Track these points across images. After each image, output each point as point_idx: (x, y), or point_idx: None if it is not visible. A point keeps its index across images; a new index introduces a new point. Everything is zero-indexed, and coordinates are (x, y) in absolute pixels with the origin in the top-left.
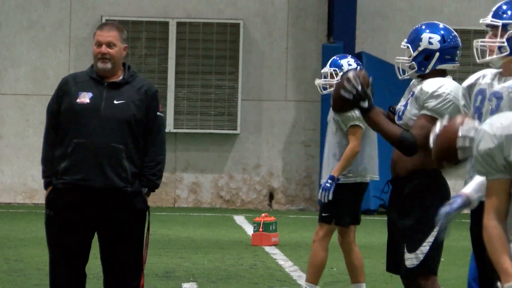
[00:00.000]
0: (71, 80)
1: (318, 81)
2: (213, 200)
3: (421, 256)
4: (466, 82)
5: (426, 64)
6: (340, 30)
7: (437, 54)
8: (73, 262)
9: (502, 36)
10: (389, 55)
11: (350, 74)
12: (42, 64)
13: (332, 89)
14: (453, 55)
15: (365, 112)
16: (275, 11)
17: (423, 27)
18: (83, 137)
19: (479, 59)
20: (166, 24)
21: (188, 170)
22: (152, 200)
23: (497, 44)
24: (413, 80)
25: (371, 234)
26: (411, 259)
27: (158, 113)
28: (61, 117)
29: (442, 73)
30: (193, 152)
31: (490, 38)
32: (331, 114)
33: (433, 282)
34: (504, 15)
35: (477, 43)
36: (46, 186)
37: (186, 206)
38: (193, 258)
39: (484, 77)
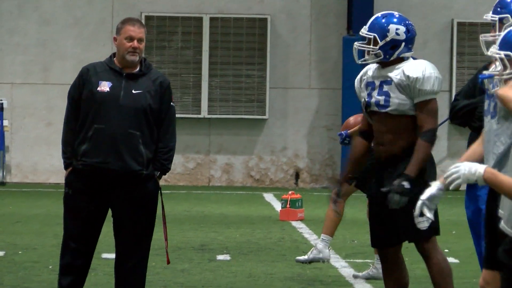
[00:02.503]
0: (92, 69)
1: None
2: (244, 180)
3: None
4: None
5: (392, 52)
6: (358, 24)
7: (403, 44)
8: (84, 238)
9: (500, 30)
10: None
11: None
12: (86, 57)
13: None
14: (413, 44)
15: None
16: (299, 7)
17: (386, 17)
18: (103, 123)
19: (485, 51)
20: (200, 19)
21: (221, 152)
22: (189, 180)
23: (497, 38)
24: (363, 72)
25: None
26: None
27: (171, 103)
28: (82, 103)
29: (401, 59)
30: (225, 136)
31: (493, 32)
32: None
33: (436, 239)
34: (501, 10)
35: (482, 37)
36: (66, 166)
37: (219, 185)
38: (226, 232)
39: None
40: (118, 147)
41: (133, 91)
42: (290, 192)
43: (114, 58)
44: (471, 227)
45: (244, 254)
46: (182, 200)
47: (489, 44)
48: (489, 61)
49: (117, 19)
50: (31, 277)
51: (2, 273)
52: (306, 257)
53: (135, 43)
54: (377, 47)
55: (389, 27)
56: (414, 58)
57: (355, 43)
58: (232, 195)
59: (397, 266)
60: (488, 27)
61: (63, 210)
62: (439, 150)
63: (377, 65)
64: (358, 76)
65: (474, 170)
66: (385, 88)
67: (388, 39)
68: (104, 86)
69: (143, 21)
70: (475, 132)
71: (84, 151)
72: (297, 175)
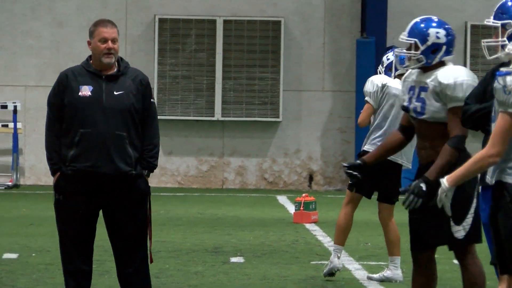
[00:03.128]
0: (70, 75)
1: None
2: (257, 182)
3: (467, 227)
4: None
5: (433, 57)
6: (372, 26)
7: (444, 47)
8: (81, 241)
9: (503, 35)
10: None
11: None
12: None
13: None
14: (453, 47)
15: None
16: (313, 10)
17: (425, 22)
18: (89, 127)
19: (488, 56)
20: (213, 22)
21: (234, 155)
22: (202, 182)
23: (500, 43)
24: (408, 73)
25: (403, 212)
26: (459, 231)
27: (152, 100)
28: (66, 109)
29: (442, 64)
30: (239, 138)
31: (496, 36)
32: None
33: (474, 249)
34: (503, 15)
35: (484, 43)
36: (53, 173)
37: (233, 188)
38: (239, 235)
39: None
40: (107, 149)
41: (115, 93)
42: (303, 195)
43: (91, 61)
44: (485, 231)
45: (257, 257)
46: (195, 202)
47: (491, 49)
48: (500, 63)
49: (130, 22)
50: (45, 279)
51: (16, 276)
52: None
53: (110, 43)
54: (419, 52)
55: (429, 31)
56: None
57: (396, 49)
58: (246, 198)
59: (428, 271)
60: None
61: (55, 216)
62: None
63: (419, 69)
64: (403, 77)
65: (441, 189)
66: (422, 95)
67: (429, 43)
68: (86, 91)
69: (156, 24)
70: (489, 135)
71: (73, 156)
72: (310, 178)
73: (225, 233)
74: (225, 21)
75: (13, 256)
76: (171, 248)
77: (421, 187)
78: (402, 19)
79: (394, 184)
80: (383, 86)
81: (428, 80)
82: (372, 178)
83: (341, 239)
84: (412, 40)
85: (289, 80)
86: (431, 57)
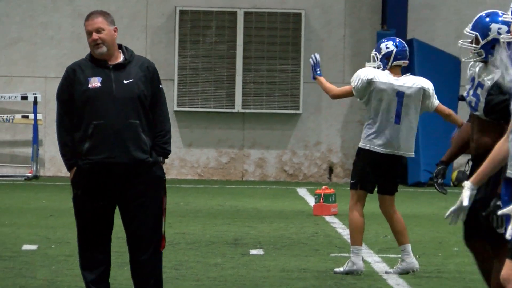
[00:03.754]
0: (77, 69)
1: (368, 65)
2: (277, 174)
3: None
4: None
5: (493, 52)
6: (392, 19)
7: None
8: (99, 234)
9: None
10: (436, 41)
11: None
12: None
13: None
14: None
15: None
16: (333, 2)
17: (490, 16)
18: (101, 118)
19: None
20: (234, 13)
21: (255, 147)
22: (222, 174)
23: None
24: (474, 68)
25: (421, 204)
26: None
27: (160, 86)
28: (76, 103)
29: None
30: (259, 130)
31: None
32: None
33: None
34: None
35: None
36: (69, 167)
37: (253, 180)
38: (259, 227)
39: None
40: (122, 139)
41: (124, 81)
42: (323, 187)
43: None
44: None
45: (277, 249)
46: (215, 194)
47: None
48: None
49: (151, 13)
50: (64, 270)
51: (35, 267)
52: (341, 269)
53: (94, 35)
54: (479, 46)
55: (491, 26)
56: None
57: (459, 41)
58: (266, 190)
59: (486, 260)
60: None
61: (74, 211)
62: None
63: (481, 63)
64: (469, 65)
65: (466, 194)
66: (478, 90)
67: (489, 38)
68: (95, 82)
69: (177, 16)
70: None
71: (87, 149)
72: (330, 170)
73: (244, 225)
74: (245, 13)
75: (33, 247)
76: (190, 240)
77: (498, 205)
78: (422, 11)
79: (392, 176)
80: (369, 81)
81: (486, 78)
82: (373, 173)
83: (360, 240)
84: (473, 34)
85: (309, 72)
86: (491, 52)
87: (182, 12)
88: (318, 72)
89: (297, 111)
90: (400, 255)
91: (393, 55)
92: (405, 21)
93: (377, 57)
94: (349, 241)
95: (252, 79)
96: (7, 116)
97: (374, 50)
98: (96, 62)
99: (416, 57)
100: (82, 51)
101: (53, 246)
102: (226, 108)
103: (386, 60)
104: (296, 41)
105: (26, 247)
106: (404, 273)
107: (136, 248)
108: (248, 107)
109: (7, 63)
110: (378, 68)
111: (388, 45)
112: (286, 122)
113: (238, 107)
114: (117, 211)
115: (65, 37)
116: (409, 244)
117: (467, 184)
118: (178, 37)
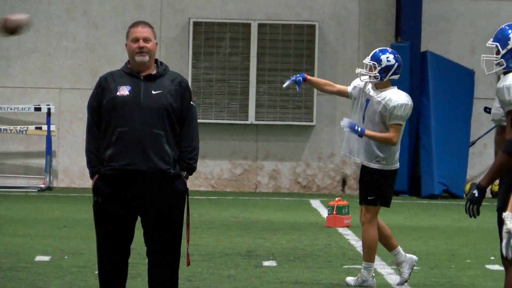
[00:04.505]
0: (109, 77)
1: (358, 70)
2: (291, 186)
3: None
4: None
5: None
6: (406, 31)
7: None
8: (118, 241)
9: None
10: (451, 54)
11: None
12: None
13: (368, 77)
14: None
15: None
16: (348, 14)
17: (511, 27)
18: (126, 126)
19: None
20: (248, 25)
21: (268, 159)
22: (235, 186)
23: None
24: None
25: (435, 217)
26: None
27: (191, 103)
28: (104, 110)
29: None
30: (273, 142)
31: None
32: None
33: None
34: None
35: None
36: (92, 175)
37: (266, 191)
38: (272, 238)
39: None
40: (144, 147)
41: (153, 92)
42: (336, 199)
43: (129, 65)
44: None
45: (290, 261)
46: (229, 206)
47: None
48: None
49: (165, 25)
50: (78, 282)
51: (49, 278)
52: (352, 282)
53: (141, 42)
54: (499, 56)
55: (510, 35)
56: None
57: (482, 55)
58: (279, 202)
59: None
60: None
61: (94, 219)
62: (491, 156)
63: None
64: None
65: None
66: (496, 101)
67: (509, 47)
68: (124, 90)
69: (191, 27)
70: None
71: (110, 155)
72: (344, 182)
73: (258, 236)
74: (259, 25)
75: (46, 258)
76: (204, 251)
77: (474, 194)
78: (436, 23)
79: (361, 185)
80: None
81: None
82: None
83: (373, 257)
84: (494, 44)
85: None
86: (511, 61)
87: (196, 24)
88: (361, 130)
89: (311, 123)
90: (418, 268)
91: (393, 69)
92: (419, 33)
93: (374, 67)
94: (361, 252)
95: (266, 91)
96: (21, 128)
97: (369, 59)
98: (128, 72)
99: (430, 70)
100: (96, 62)
101: (66, 257)
102: (239, 120)
103: (385, 74)
104: (310, 53)
105: (39, 258)
106: (399, 284)
107: (154, 261)
108: (261, 119)
109: (22, 73)
110: (375, 78)
111: (390, 58)
112: (300, 133)
113: (251, 119)
114: (137, 224)
115: (80, 48)
116: (399, 247)
117: (507, 216)
118: (192, 48)
